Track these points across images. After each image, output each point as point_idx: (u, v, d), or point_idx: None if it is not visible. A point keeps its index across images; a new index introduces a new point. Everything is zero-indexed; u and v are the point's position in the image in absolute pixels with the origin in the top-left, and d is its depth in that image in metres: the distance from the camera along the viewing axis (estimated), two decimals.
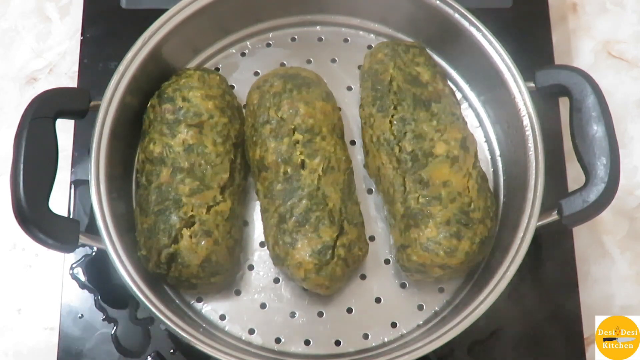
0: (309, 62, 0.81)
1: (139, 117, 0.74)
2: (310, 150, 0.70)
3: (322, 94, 0.74)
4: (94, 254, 0.76)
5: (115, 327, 0.73)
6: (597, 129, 0.67)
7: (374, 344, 0.71)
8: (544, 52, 0.84)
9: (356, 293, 0.73)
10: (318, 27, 0.82)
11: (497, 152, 0.78)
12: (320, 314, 0.72)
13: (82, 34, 0.83)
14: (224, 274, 0.70)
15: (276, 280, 0.73)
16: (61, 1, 0.88)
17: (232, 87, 0.79)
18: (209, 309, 0.72)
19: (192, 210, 0.67)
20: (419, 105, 0.72)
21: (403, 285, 0.73)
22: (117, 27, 0.83)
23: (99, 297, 0.74)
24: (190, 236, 0.67)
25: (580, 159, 0.67)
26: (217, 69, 0.80)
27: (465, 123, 0.74)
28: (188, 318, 0.70)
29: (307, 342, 0.71)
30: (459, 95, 0.79)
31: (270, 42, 0.82)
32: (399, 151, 0.71)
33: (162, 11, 0.74)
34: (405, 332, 0.72)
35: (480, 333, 0.74)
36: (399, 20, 0.80)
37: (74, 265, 0.75)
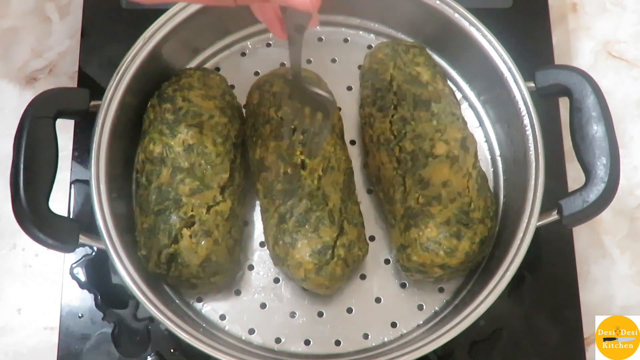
0: (309, 62, 0.81)
1: (139, 117, 0.74)
2: None
3: None
4: (94, 254, 0.76)
5: (115, 327, 0.73)
6: (597, 129, 0.67)
7: (374, 344, 0.71)
8: (544, 52, 0.84)
9: (356, 293, 0.73)
10: (318, 27, 0.82)
11: (497, 152, 0.78)
12: (320, 314, 0.72)
13: (82, 34, 0.83)
14: (224, 274, 0.70)
15: (276, 280, 0.73)
16: (61, 1, 0.88)
17: (232, 87, 0.79)
18: (209, 309, 0.72)
19: (192, 210, 0.67)
20: (419, 105, 0.72)
21: (403, 285, 0.73)
22: (117, 27, 0.83)
23: (99, 297, 0.74)
24: (190, 236, 0.67)
25: (580, 159, 0.67)
26: (217, 69, 0.80)
27: (465, 123, 0.74)
28: (188, 318, 0.70)
29: (307, 342, 0.71)
30: (459, 95, 0.79)
31: (270, 42, 0.82)
32: (399, 151, 0.71)
33: (162, 11, 0.74)
34: (405, 332, 0.72)
35: (480, 333, 0.74)
36: (399, 20, 0.80)
37: (74, 265, 0.75)
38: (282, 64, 0.80)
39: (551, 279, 0.76)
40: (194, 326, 0.66)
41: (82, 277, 0.75)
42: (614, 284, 0.78)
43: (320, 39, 0.82)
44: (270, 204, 0.70)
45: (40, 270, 0.77)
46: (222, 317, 0.72)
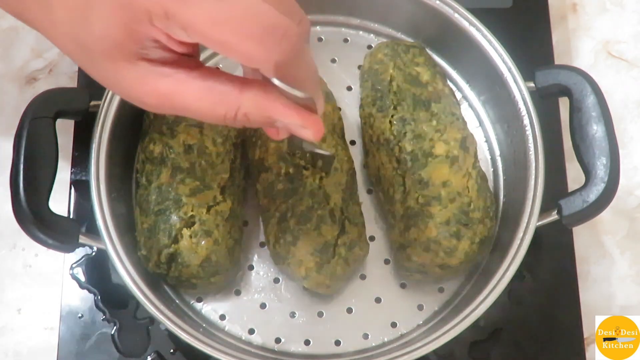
0: None
1: (139, 117, 0.74)
2: None
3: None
4: (94, 254, 0.76)
5: (115, 327, 0.73)
6: (597, 129, 0.67)
7: (374, 344, 0.71)
8: (544, 52, 0.84)
9: (356, 293, 0.73)
10: (318, 27, 0.82)
11: (497, 152, 0.78)
12: (320, 314, 0.72)
13: None
14: (224, 274, 0.70)
15: (276, 280, 0.73)
16: None
17: None
18: (209, 309, 0.72)
19: (192, 210, 0.67)
20: (418, 105, 0.72)
21: (403, 285, 0.73)
22: None
23: (99, 297, 0.74)
24: (190, 236, 0.67)
25: (580, 159, 0.68)
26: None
27: (465, 123, 0.74)
28: (188, 318, 0.70)
29: (307, 342, 0.71)
30: (459, 95, 0.79)
31: None
32: (399, 151, 0.71)
33: None
34: (405, 332, 0.72)
35: (480, 333, 0.74)
36: (399, 20, 0.80)
37: (74, 265, 0.75)
38: None
39: (551, 279, 0.76)
40: (194, 326, 0.66)
41: (82, 277, 0.75)
42: (614, 284, 0.78)
43: (320, 39, 0.82)
44: (270, 203, 0.70)
45: (40, 270, 0.77)
46: (222, 317, 0.72)
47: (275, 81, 0.46)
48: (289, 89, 0.46)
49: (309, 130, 0.49)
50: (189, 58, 0.49)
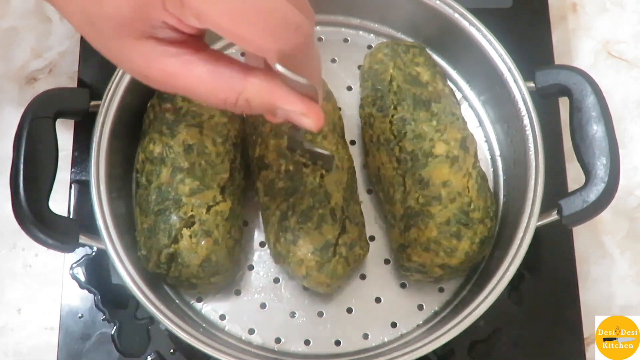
0: None
1: (139, 117, 0.74)
2: None
3: (322, 94, 0.74)
4: (94, 254, 0.76)
5: (115, 327, 0.73)
6: (597, 129, 0.67)
7: (374, 344, 0.71)
8: (544, 52, 0.84)
9: (356, 293, 0.73)
10: (318, 27, 0.82)
11: (497, 152, 0.78)
12: (320, 314, 0.72)
13: None
14: (224, 274, 0.70)
15: (276, 280, 0.73)
16: None
17: None
18: (209, 309, 0.72)
19: (192, 210, 0.67)
20: (418, 105, 0.72)
21: (403, 285, 0.73)
22: None
23: (99, 297, 0.74)
24: (190, 236, 0.67)
25: (580, 159, 0.68)
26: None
27: (465, 123, 0.74)
28: (188, 318, 0.70)
29: (307, 342, 0.71)
30: (459, 95, 0.79)
31: None
32: (399, 151, 0.71)
33: None
34: (405, 332, 0.72)
35: (480, 333, 0.74)
36: (399, 20, 0.80)
37: (74, 265, 0.75)
38: None
39: (551, 279, 0.76)
40: (194, 326, 0.66)
41: (82, 277, 0.75)
42: (614, 284, 0.78)
43: (320, 39, 0.82)
44: (271, 201, 0.70)
45: (40, 270, 0.77)
46: (222, 317, 0.72)
47: (279, 67, 0.46)
48: (293, 74, 0.47)
49: (309, 119, 0.50)
50: (195, 39, 0.49)
